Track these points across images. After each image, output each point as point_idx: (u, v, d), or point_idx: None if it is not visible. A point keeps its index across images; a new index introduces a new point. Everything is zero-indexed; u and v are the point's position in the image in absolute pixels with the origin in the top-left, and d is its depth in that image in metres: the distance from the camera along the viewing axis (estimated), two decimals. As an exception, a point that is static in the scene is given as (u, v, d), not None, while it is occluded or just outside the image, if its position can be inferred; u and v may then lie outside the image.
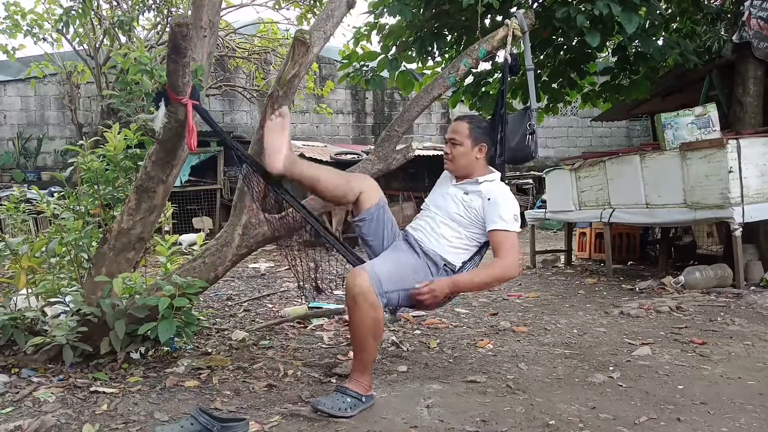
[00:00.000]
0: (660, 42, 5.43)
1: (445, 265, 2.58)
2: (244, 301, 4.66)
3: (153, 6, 8.62)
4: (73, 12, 6.36)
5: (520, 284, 5.43)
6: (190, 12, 3.01)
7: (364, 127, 13.39)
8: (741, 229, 4.42)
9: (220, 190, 10.31)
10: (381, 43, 5.54)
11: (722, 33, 6.03)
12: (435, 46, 5.53)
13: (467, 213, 2.59)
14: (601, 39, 4.60)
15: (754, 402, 2.34)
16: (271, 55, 10.55)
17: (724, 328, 3.49)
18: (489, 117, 5.92)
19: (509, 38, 2.98)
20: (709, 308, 3.99)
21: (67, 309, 2.94)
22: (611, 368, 2.80)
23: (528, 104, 3.10)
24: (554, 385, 2.60)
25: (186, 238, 6.36)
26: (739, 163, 4.44)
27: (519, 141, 2.99)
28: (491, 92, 5.86)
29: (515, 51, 3.02)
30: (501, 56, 3.09)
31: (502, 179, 2.79)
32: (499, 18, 5.06)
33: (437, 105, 13.11)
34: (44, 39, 8.90)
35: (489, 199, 2.55)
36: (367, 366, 2.38)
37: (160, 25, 9.18)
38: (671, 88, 6.52)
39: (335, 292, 4.87)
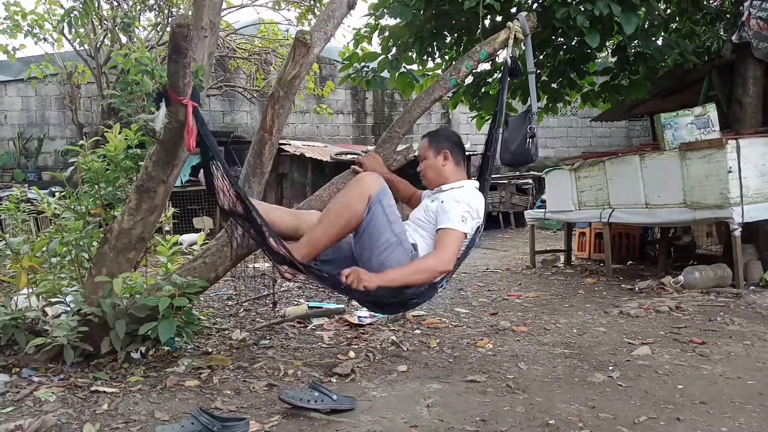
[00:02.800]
0: (660, 42, 5.44)
1: None
2: (245, 301, 4.67)
3: (154, 6, 8.62)
4: (75, 13, 6.35)
5: (520, 284, 5.44)
6: (190, 12, 3.01)
7: (365, 127, 13.40)
8: (740, 229, 4.42)
9: (220, 190, 10.28)
10: (381, 44, 5.54)
11: (722, 33, 6.03)
12: (435, 47, 5.54)
13: (425, 215, 2.62)
14: (601, 39, 4.60)
15: (754, 402, 2.34)
16: (271, 55, 10.55)
17: (724, 327, 3.49)
18: (488, 117, 5.96)
19: (510, 41, 2.98)
20: (708, 308, 4.00)
21: (68, 309, 2.95)
22: (611, 368, 2.81)
23: (528, 107, 3.09)
24: (554, 385, 2.61)
25: (186, 238, 6.36)
26: (739, 163, 4.45)
27: (519, 144, 2.98)
28: (491, 92, 5.86)
29: (516, 53, 3.02)
30: (502, 57, 3.08)
31: (484, 180, 2.78)
32: (499, 19, 5.06)
33: (437, 106, 13.11)
34: (45, 39, 8.90)
35: (442, 201, 2.57)
36: (313, 242, 2.40)
37: (160, 26, 9.18)
38: (671, 89, 6.52)
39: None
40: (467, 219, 2.52)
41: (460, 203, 2.54)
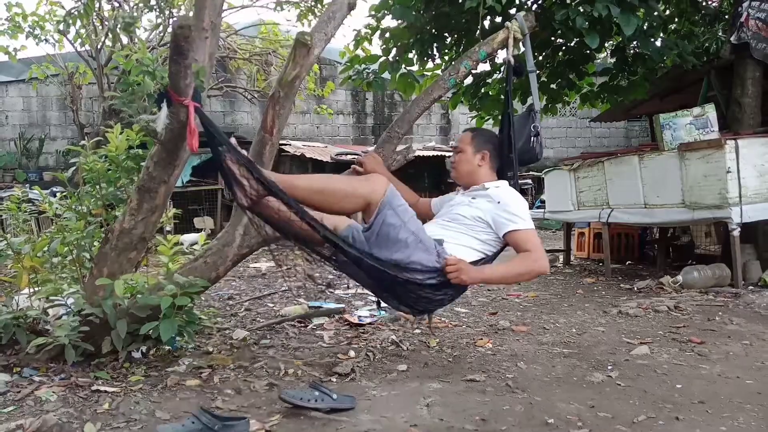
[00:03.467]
0: (658, 43, 5.45)
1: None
2: (245, 301, 4.68)
3: (154, 7, 8.64)
4: (74, 12, 6.37)
5: (519, 284, 5.44)
6: (191, 13, 3.03)
7: (365, 127, 13.42)
8: (739, 229, 4.43)
9: (221, 190, 10.33)
10: (382, 46, 5.56)
11: (720, 34, 6.05)
12: (435, 47, 5.55)
13: (470, 211, 2.52)
14: (600, 40, 4.61)
15: (753, 401, 2.35)
16: (272, 56, 10.58)
17: (723, 327, 3.50)
18: (488, 117, 5.97)
19: (510, 41, 2.99)
20: (707, 308, 4.01)
21: (69, 309, 2.96)
22: (610, 367, 2.82)
23: (531, 106, 3.10)
24: (553, 384, 2.62)
25: (187, 237, 6.36)
26: (738, 163, 4.46)
27: (524, 143, 2.98)
28: (491, 93, 5.87)
29: (515, 53, 3.03)
30: (501, 58, 3.10)
31: (513, 183, 2.78)
32: (499, 20, 5.07)
33: (437, 106, 13.13)
34: (46, 40, 8.94)
35: (499, 202, 2.49)
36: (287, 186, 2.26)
37: (161, 26, 9.20)
38: (670, 89, 6.54)
39: (336, 292, 4.90)
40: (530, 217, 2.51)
41: (520, 204, 2.50)
